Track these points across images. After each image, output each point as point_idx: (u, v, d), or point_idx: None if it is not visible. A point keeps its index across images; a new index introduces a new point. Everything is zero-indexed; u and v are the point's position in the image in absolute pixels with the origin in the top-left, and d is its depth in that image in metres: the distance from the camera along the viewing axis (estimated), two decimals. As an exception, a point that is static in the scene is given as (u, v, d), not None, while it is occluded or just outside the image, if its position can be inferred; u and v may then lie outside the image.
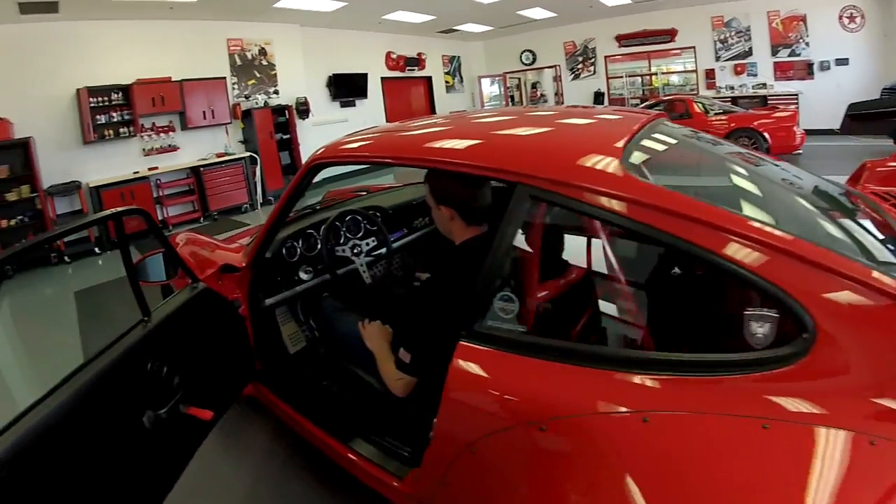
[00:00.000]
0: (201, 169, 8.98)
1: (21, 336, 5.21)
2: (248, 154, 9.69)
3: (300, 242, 2.54)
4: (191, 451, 1.75)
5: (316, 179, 2.02)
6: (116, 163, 8.27)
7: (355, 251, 2.62)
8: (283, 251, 2.46)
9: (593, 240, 1.86)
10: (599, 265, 1.73)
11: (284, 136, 10.42)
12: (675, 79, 14.07)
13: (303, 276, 2.50)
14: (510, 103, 16.62)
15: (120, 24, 8.24)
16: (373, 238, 2.70)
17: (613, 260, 1.57)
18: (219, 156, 9.38)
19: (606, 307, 1.72)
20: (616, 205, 1.19)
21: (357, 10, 10.08)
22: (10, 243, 6.64)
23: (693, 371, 1.09)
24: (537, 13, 12.70)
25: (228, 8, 8.76)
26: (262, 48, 10.34)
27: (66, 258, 7.29)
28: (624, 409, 1.08)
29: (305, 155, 10.30)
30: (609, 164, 1.27)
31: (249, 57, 10.17)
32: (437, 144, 1.64)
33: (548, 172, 1.29)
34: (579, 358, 1.20)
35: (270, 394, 2.34)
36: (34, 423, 1.19)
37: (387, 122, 11.92)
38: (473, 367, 1.30)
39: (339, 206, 2.93)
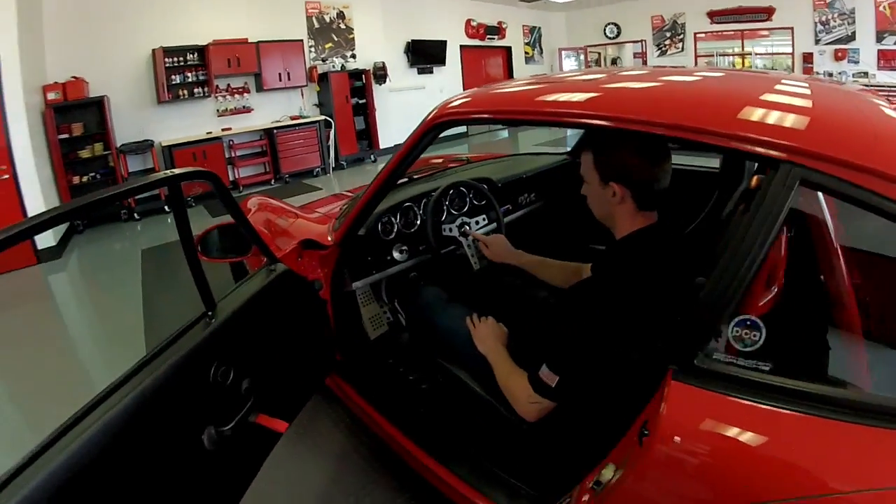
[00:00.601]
0: (275, 131, 8.85)
1: (88, 290, 5.23)
2: (322, 118, 9.48)
3: (398, 217, 2.16)
4: (256, 466, 1.43)
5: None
6: (190, 123, 8.22)
7: (463, 230, 2.22)
8: (379, 227, 2.08)
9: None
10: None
11: (360, 101, 10.14)
12: (758, 62, 12.86)
13: (396, 256, 2.13)
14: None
15: (197, -16, 8.16)
16: (483, 216, 2.30)
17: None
18: (293, 118, 9.25)
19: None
20: None
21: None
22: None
23: None
24: (627, -17, 11.87)
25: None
26: (341, 11, 10.07)
27: (135, 215, 7.31)
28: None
29: (381, 120, 10.19)
30: None
31: (327, 20, 9.92)
32: (626, 97, 1.20)
33: (845, 153, 0.87)
34: (868, 413, 0.81)
35: (348, 386, 2.01)
36: (60, 461, 0.87)
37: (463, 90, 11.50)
38: (698, 420, 0.91)
39: (438, 176, 2.54)
